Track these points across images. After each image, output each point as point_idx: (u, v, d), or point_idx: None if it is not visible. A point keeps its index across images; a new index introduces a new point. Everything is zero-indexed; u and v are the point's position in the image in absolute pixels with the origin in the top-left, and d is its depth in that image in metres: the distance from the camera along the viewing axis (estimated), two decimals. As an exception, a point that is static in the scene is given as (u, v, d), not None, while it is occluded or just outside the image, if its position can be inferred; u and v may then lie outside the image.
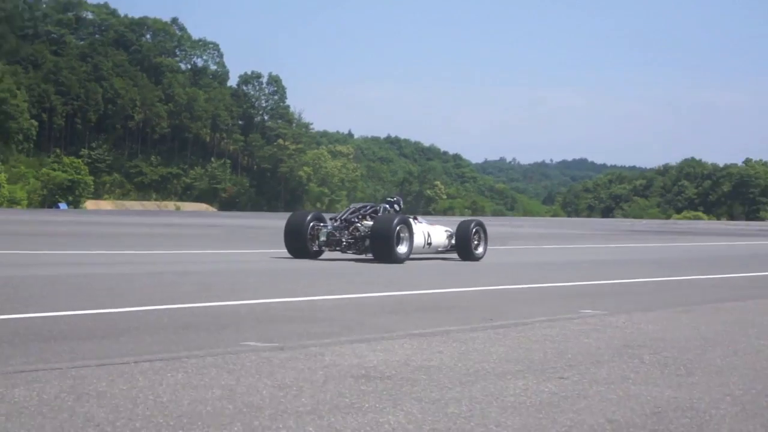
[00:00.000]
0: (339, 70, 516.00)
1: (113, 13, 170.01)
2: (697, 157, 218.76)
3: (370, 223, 21.34)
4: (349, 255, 21.79)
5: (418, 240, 21.70)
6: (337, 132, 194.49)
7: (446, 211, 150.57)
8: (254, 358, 7.62)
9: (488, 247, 23.35)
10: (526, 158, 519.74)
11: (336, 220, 21.90)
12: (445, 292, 14.34)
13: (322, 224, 21.69)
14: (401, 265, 19.87)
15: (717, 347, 9.05)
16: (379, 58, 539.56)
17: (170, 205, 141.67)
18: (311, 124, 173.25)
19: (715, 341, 9.45)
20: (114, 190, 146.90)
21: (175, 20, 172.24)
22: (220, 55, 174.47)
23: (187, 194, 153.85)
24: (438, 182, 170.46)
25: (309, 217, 21.59)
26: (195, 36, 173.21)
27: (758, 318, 11.63)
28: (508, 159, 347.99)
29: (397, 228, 20.58)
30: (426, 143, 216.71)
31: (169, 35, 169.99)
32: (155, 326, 9.43)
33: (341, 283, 15.28)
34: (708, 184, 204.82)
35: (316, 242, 21.44)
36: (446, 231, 23.16)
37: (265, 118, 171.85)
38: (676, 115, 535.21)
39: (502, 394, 6.56)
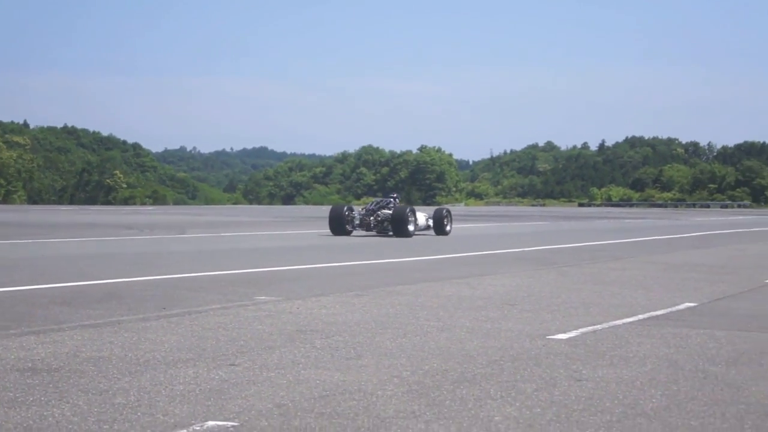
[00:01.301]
0: (11, 58, 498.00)
1: None
2: (375, 145, 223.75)
3: (387, 211, 31.92)
4: (372, 233, 31.89)
5: None
6: (12, 122, 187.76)
7: (127, 201, 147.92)
8: None
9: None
10: (206, 147, 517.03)
11: (363, 210, 32.83)
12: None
13: (354, 212, 32.39)
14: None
15: (387, 330, 9.28)
16: (50, 45, 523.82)
17: None
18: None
19: (385, 324, 9.69)
20: None
21: None
22: None
23: None
24: (117, 172, 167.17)
25: (345, 208, 32.42)
26: None
27: (428, 301, 12.00)
28: (189, 148, 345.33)
29: (408, 214, 31.23)
30: (104, 133, 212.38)
31: None
32: None
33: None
34: (386, 170, 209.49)
35: (351, 224, 31.89)
36: (425, 215, 33.10)
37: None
38: (354, 103, 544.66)
39: (172, 383, 6.53)
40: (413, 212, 31.62)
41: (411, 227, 30.99)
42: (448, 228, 33.04)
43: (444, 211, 33.67)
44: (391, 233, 31.35)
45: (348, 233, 31.54)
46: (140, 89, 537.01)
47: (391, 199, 33.20)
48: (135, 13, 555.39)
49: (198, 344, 8.18)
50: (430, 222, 32.91)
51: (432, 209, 35.74)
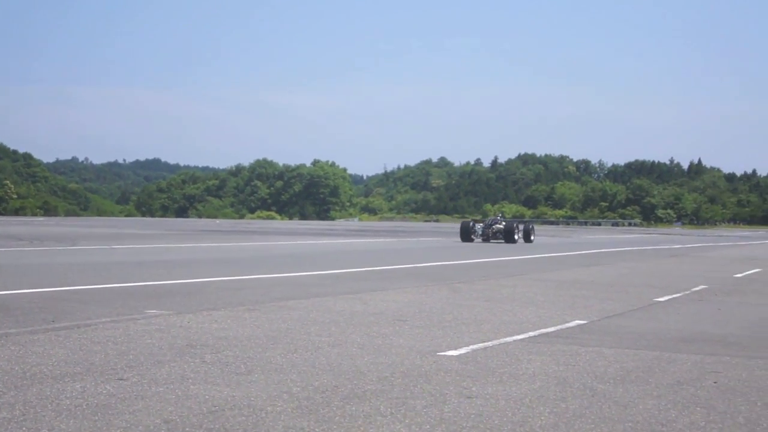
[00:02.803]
0: None
1: None
2: (269, 158, 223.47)
3: (499, 225, 47.25)
4: (478, 241, 46.63)
5: None
6: None
7: (18, 211, 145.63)
8: None
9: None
10: (98, 158, 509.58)
11: (482, 224, 48.29)
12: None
13: (477, 226, 47.74)
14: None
15: (278, 345, 9.25)
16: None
17: None
18: None
19: (276, 339, 9.66)
20: None
21: None
22: None
23: None
24: (8, 182, 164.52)
25: (471, 223, 48.07)
26: None
27: (320, 316, 11.97)
28: (81, 158, 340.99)
29: (515, 227, 46.62)
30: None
31: None
32: None
33: None
34: (280, 184, 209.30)
35: (475, 235, 47.03)
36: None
37: None
38: (248, 116, 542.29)
39: (58, 397, 6.43)
40: (518, 226, 47.44)
41: (517, 236, 46.51)
42: (532, 238, 48.11)
43: (530, 225, 49.66)
44: (501, 241, 46.32)
45: (471, 240, 46.70)
46: (30, 98, 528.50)
47: (498, 217, 51.90)
48: (27, 20, 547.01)
49: (86, 358, 8.07)
50: (521, 234, 47.63)
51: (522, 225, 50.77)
